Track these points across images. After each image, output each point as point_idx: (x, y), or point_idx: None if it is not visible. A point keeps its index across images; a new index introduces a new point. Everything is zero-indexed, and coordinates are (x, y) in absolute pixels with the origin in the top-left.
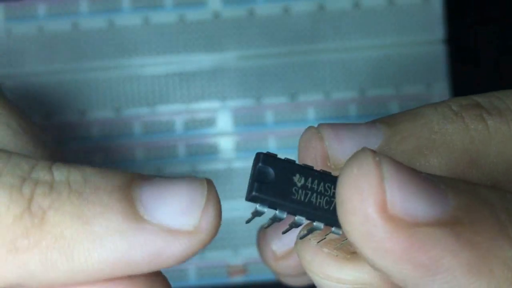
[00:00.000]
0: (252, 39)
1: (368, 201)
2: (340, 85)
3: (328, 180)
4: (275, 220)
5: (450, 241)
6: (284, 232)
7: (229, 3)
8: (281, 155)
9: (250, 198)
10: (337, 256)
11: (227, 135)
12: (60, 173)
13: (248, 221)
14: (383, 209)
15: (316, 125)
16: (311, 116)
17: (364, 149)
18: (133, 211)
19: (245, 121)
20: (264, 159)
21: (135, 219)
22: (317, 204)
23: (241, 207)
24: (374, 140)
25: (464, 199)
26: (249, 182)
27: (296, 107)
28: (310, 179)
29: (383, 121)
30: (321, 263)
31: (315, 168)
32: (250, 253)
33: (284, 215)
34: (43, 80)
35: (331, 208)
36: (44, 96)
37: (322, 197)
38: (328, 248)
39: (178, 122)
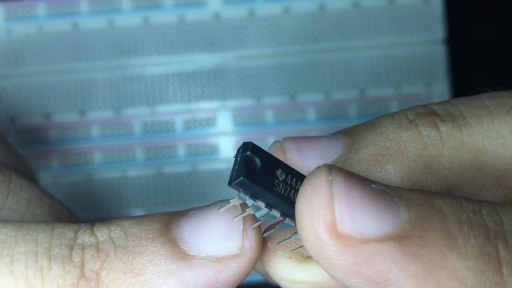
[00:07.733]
0: (252, 39)
1: (318, 220)
2: (340, 85)
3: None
4: (252, 210)
5: (396, 255)
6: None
7: (229, 3)
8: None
9: (238, 182)
10: (289, 258)
11: (227, 135)
12: (102, 233)
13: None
14: (332, 228)
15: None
16: (311, 116)
17: (320, 167)
18: (178, 250)
19: (245, 121)
20: (253, 149)
21: (182, 258)
22: (294, 200)
23: None
24: (334, 150)
25: (416, 211)
26: (234, 168)
27: (296, 107)
28: (290, 176)
29: (344, 132)
30: (274, 264)
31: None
32: None
33: (263, 206)
34: (43, 80)
35: None
36: (44, 96)
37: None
38: (283, 251)
39: (178, 122)
